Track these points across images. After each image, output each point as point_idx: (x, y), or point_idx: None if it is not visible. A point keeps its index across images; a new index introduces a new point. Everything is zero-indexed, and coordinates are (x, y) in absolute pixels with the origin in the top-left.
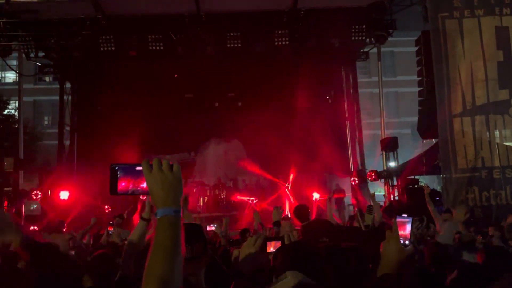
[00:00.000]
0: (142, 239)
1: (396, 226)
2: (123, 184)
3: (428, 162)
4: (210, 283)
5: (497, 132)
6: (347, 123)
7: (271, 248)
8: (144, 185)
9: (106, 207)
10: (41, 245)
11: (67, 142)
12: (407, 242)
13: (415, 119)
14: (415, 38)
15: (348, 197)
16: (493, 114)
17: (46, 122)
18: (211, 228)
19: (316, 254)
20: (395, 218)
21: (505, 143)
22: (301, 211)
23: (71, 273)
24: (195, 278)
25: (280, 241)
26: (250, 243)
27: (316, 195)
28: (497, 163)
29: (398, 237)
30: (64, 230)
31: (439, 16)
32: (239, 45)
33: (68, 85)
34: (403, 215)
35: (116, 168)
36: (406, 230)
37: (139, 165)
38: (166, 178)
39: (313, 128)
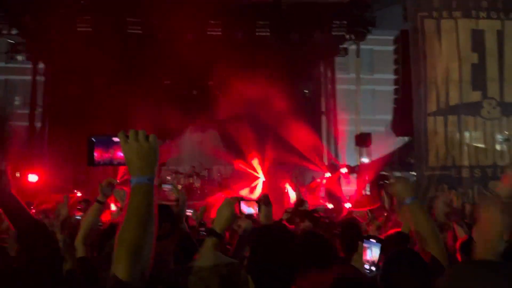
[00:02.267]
0: (96, 221)
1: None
2: (100, 154)
3: (400, 159)
4: (183, 261)
5: (467, 133)
6: (324, 117)
7: (247, 209)
8: (120, 154)
9: (78, 193)
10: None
11: (38, 124)
12: (373, 268)
13: (390, 117)
14: (393, 38)
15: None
16: (465, 115)
17: (17, 103)
18: (188, 213)
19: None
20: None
21: (474, 144)
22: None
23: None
24: (164, 256)
25: (255, 202)
26: (226, 203)
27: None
28: (466, 163)
29: None
30: (31, 212)
31: (419, 15)
32: (220, 33)
33: (41, 65)
34: (371, 240)
35: (93, 139)
36: (368, 255)
37: (116, 136)
38: (142, 147)
39: (290, 121)
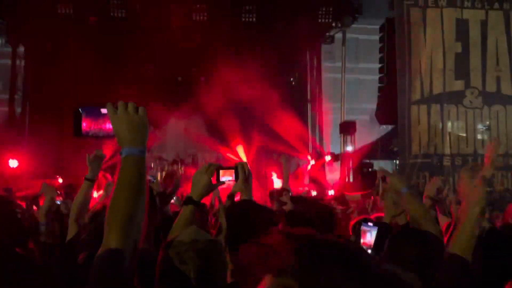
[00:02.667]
0: (87, 199)
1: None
2: (88, 125)
3: (383, 147)
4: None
5: (449, 122)
6: (309, 105)
7: (224, 177)
8: (109, 126)
9: (60, 179)
10: None
11: (18, 109)
12: (369, 251)
13: (374, 106)
14: (379, 26)
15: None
16: (447, 104)
17: None
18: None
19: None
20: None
21: (456, 133)
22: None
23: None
24: (145, 238)
25: (233, 170)
26: (203, 169)
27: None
28: (447, 151)
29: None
30: (14, 198)
31: (405, 3)
32: (205, 18)
33: (21, 48)
34: (369, 223)
35: (80, 110)
36: (367, 238)
37: (103, 107)
38: (131, 119)
39: (275, 108)
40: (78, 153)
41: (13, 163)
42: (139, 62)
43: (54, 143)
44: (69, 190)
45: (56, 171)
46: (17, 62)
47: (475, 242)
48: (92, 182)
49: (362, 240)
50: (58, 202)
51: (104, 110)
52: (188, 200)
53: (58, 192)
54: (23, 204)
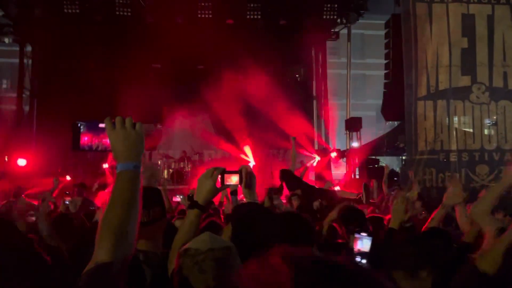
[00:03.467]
0: None
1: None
2: (85, 139)
3: (389, 144)
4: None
5: (455, 118)
6: (315, 102)
7: (229, 180)
8: (106, 141)
9: (67, 177)
10: None
11: (26, 108)
12: (363, 261)
13: (380, 102)
14: (384, 22)
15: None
16: (454, 99)
17: (4, 86)
18: (176, 199)
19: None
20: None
21: (463, 129)
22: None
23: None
24: (153, 241)
25: (238, 173)
26: (207, 174)
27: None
28: (454, 147)
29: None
30: (23, 196)
31: None
32: (210, 16)
33: (29, 48)
34: (362, 233)
35: (79, 124)
36: (358, 246)
37: (102, 122)
38: (128, 135)
39: (281, 105)
40: (85, 152)
41: (21, 161)
42: (146, 61)
43: (61, 141)
44: (80, 188)
45: (63, 169)
46: (25, 61)
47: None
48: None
49: (354, 248)
50: (67, 202)
51: (102, 125)
52: (193, 204)
53: (67, 192)
54: (35, 202)
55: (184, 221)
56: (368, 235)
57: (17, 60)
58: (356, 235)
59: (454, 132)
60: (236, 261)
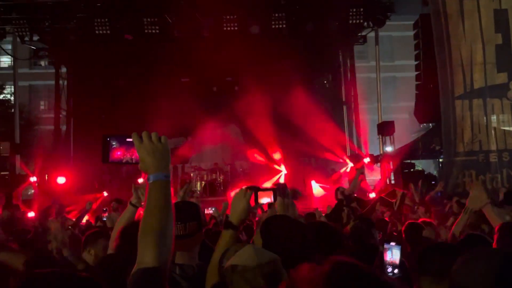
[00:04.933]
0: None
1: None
2: (117, 153)
3: (425, 146)
4: (203, 260)
5: (494, 117)
6: (345, 107)
7: (263, 199)
8: (135, 154)
9: (105, 192)
10: None
11: (63, 127)
12: (396, 271)
13: (413, 104)
14: (412, 22)
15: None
16: (490, 98)
17: (42, 107)
18: (209, 211)
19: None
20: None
21: (502, 128)
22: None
23: None
24: (189, 254)
25: (271, 191)
26: (241, 194)
27: None
28: (493, 147)
29: None
30: (64, 214)
31: None
32: (236, 28)
33: (63, 69)
34: (391, 243)
35: (108, 138)
36: (388, 257)
37: (130, 137)
38: (156, 147)
39: (311, 113)
40: (119, 167)
41: (61, 179)
42: (175, 75)
43: (97, 158)
44: (116, 204)
45: (100, 185)
46: (60, 82)
47: None
48: (135, 208)
49: (385, 259)
50: (104, 219)
51: (130, 139)
52: (228, 225)
53: (105, 208)
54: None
55: (219, 241)
56: (397, 244)
57: (53, 82)
58: (385, 245)
59: (493, 132)
60: (283, 272)
